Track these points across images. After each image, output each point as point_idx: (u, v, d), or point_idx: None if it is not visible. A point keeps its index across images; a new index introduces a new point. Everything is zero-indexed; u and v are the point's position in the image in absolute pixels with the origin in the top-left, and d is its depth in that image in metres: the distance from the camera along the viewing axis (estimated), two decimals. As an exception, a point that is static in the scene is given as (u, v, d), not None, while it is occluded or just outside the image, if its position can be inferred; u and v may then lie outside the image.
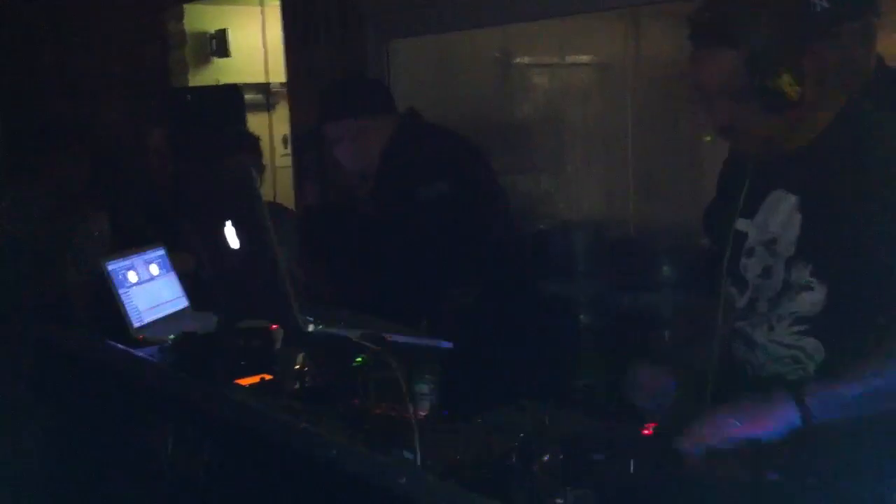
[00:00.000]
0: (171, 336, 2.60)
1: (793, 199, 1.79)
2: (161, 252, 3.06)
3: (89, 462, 2.80)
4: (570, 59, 4.64)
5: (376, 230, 2.72)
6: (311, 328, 1.84)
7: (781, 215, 1.80)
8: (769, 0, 1.71)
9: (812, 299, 1.75)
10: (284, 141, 6.10)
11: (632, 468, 1.71)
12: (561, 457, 1.72)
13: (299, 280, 1.90)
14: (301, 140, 4.74)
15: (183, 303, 3.05)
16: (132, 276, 2.91)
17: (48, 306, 3.25)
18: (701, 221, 2.09)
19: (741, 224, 1.89)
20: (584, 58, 4.60)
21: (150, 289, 2.95)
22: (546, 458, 1.71)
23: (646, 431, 1.89)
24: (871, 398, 1.64)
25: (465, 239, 2.48)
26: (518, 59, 4.67)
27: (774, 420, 1.63)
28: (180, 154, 3.52)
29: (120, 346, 2.67)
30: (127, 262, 2.91)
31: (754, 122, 1.74)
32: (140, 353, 2.61)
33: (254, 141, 3.64)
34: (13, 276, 3.43)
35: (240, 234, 2.06)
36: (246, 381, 2.23)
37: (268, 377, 2.24)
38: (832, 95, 1.78)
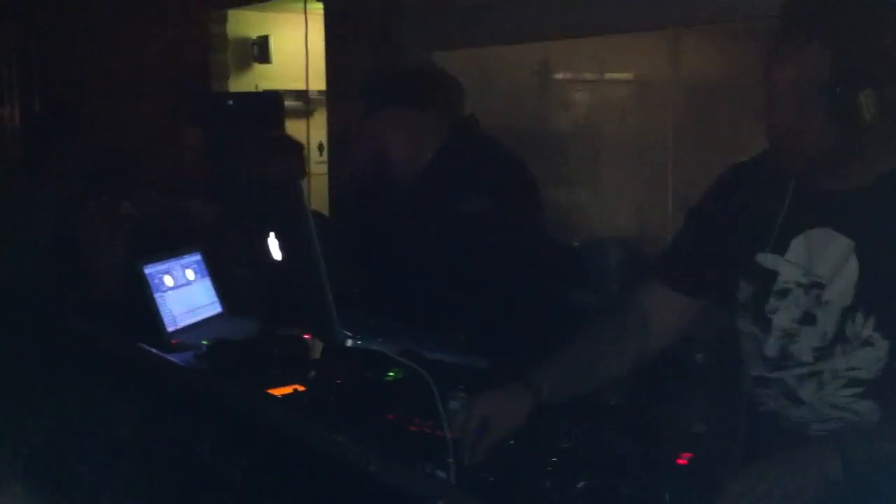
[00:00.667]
0: (205, 341, 2.62)
1: (845, 241, 1.63)
2: (197, 257, 3.07)
3: (102, 464, 2.81)
4: (609, 76, 4.62)
5: (415, 234, 2.64)
6: (349, 342, 1.83)
7: (832, 259, 1.64)
8: (882, 11, 1.56)
9: (872, 356, 1.61)
10: (320, 148, 6.14)
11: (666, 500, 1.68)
12: (594, 483, 1.70)
13: (341, 292, 1.89)
14: (342, 137, 4.71)
15: (217, 308, 3.06)
16: (168, 280, 2.92)
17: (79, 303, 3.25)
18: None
19: (766, 260, 1.73)
20: (624, 75, 4.58)
21: (185, 293, 2.97)
22: (580, 485, 1.69)
23: (681, 461, 1.85)
24: None
25: (506, 259, 2.44)
26: (558, 75, 4.66)
27: (819, 480, 1.49)
28: (220, 157, 3.52)
29: (152, 349, 2.68)
30: (164, 266, 2.92)
31: (814, 129, 1.59)
32: (173, 357, 2.62)
33: (298, 148, 3.65)
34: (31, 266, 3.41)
35: (283, 244, 2.06)
36: (279, 391, 2.23)
37: (301, 388, 2.23)
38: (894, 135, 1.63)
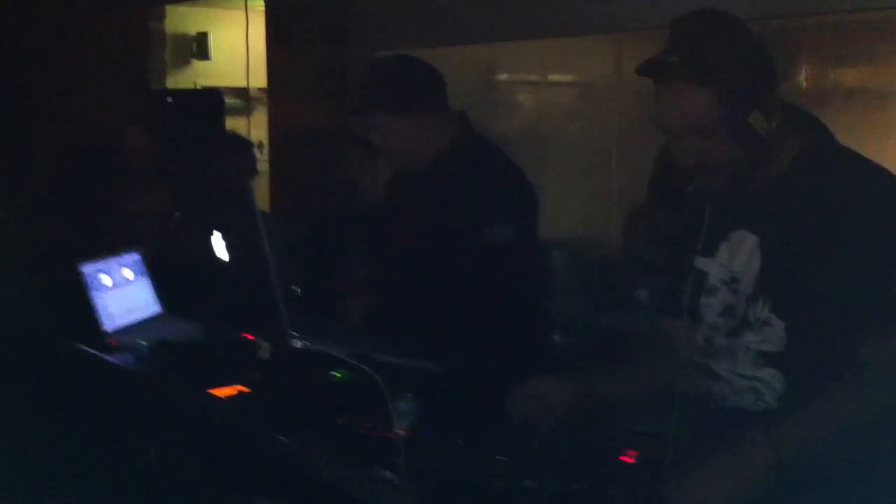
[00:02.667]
0: (144, 342, 2.58)
1: (753, 238, 1.82)
2: (137, 256, 3.02)
3: (48, 463, 2.75)
4: (553, 77, 4.65)
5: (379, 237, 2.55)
6: (297, 343, 1.81)
7: (743, 255, 1.84)
8: (738, 39, 1.75)
9: (771, 335, 1.78)
10: (259, 146, 6.07)
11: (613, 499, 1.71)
12: (542, 483, 1.71)
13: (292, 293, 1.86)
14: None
15: (156, 308, 3.01)
16: (106, 280, 2.86)
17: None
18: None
19: (701, 263, 1.91)
20: (568, 77, 4.62)
21: (124, 293, 2.91)
22: (529, 483, 1.70)
23: (627, 459, 1.88)
24: (837, 430, 1.68)
25: (456, 261, 2.40)
26: (502, 76, 4.68)
27: (751, 471, 1.64)
28: (165, 156, 3.46)
29: (90, 349, 2.63)
30: (102, 265, 2.87)
31: (723, 159, 1.77)
32: (112, 358, 2.57)
33: (247, 146, 3.60)
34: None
35: (229, 243, 2.03)
36: (222, 392, 2.20)
37: (245, 389, 2.20)
38: (793, 138, 1.82)
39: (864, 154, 1.84)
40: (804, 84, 3.30)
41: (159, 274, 3.03)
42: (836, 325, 1.72)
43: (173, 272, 3.03)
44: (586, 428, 2.03)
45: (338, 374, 2.15)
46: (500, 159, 2.56)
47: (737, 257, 1.85)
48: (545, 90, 4.73)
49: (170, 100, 5.15)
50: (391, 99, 2.43)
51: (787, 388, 1.79)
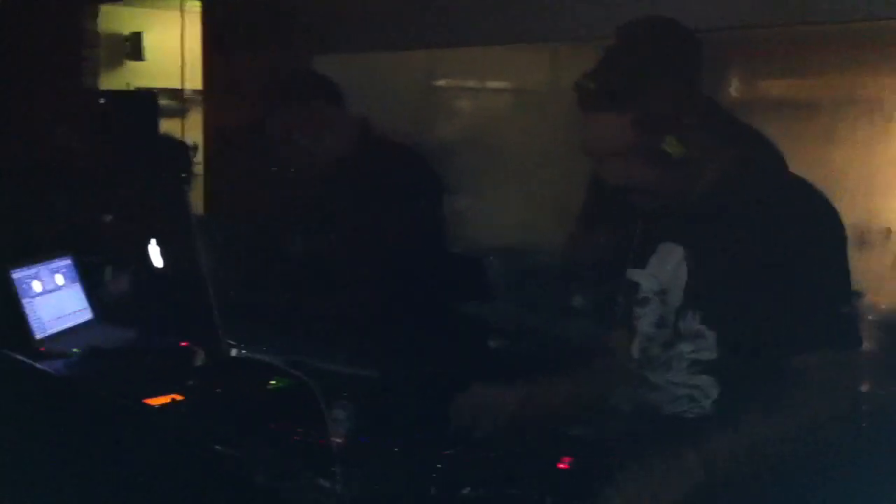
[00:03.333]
0: (75, 349, 2.53)
1: (680, 250, 1.87)
2: (68, 261, 2.96)
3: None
4: (491, 84, 4.68)
5: (310, 239, 2.61)
6: (233, 352, 1.80)
7: (671, 267, 1.88)
8: (655, 66, 1.79)
9: (704, 344, 1.82)
10: (194, 148, 6.00)
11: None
12: (479, 490, 1.71)
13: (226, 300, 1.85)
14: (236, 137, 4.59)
15: (88, 314, 2.95)
16: (36, 286, 2.80)
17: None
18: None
19: (633, 274, 1.97)
20: (507, 84, 4.64)
21: (54, 299, 2.85)
22: (466, 490, 1.71)
23: (561, 465, 1.90)
24: (769, 436, 1.69)
25: (399, 259, 2.44)
26: (440, 82, 4.69)
27: (684, 476, 1.65)
28: (97, 159, 3.40)
29: (19, 356, 2.57)
30: (32, 271, 2.81)
31: (642, 180, 1.82)
32: (42, 365, 2.51)
33: (182, 148, 3.54)
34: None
35: (164, 249, 2.00)
36: (156, 401, 2.17)
37: (179, 397, 2.17)
38: (716, 155, 1.86)
39: (791, 166, 1.89)
40: (733, 95, 3.37)
41: (91, 279, 2.98)
42: (767, 333, 1.76)
43: (106, 278, 2.98)
44: (523, 435, 2.04)
45: (273, 382, 2.14)
46: (404, 158, 2.71)
47: (665, 269, 1.90)
48: (484, 97, 4.75)
49: (102, 101, 5.07)
50: (292, 103, 2.68)
51: (722, 394, 1.83)
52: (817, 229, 1.78)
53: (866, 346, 1.90)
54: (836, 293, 1.77)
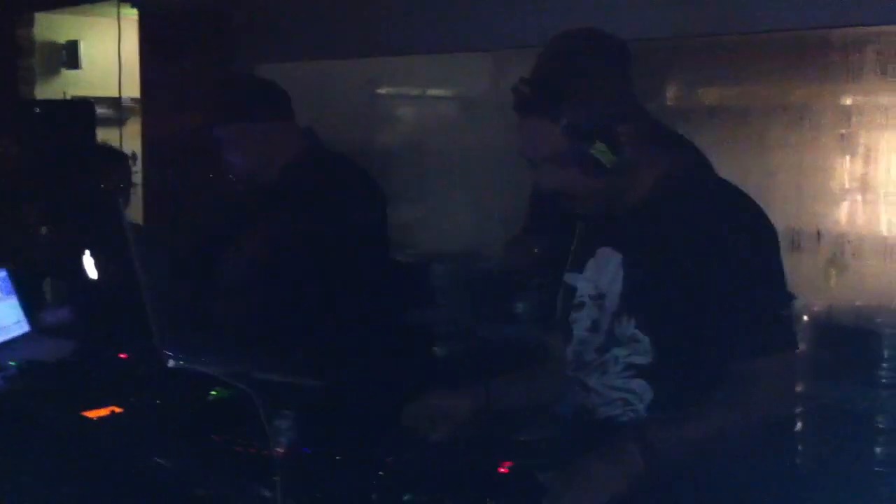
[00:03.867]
0: (12, 362, 2.49)
1: (618, 256, 1.89)
2: (3, 273, 2.91)
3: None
4: (433, 92, 4.70)
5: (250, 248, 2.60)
6: (171, 363, 1.78)
7: (609, 272, 1.90)
8: (586, 75, 1.80)
9: (639, 349, 1.84)
10: (133, 157, 5.93)
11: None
12: (420, 496, 1.72)
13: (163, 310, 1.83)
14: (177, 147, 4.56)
15: (24, 327, 2.90)
16: (-30, 299, 2.75)
17: None
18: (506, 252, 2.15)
19: (570, 278, 1.98)
20: (449, 92, 4.67)
21: (-12, 311, 2.80)
22: (407, 497, 1.71)
23: (502, 469, 1.91)
24: (706, 436, 1.75)
25: (340, 268, 2.44)
26: (386, 91, 4.70)
27: (624, 474, 1.68)
28: (33, 168, 3.34)
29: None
30: (-34, 284, 2.76)
31: (576, 185, 1.83)
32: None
33: (120, 158, 3.49)
34: None
35: (99, 259, 1.98)
36: (95, 413, 2.14)
37: (118, 409, 2.15)
38: (652, 163, 1.88)
39: (723, 171, 1.93)
40: (666, 104, 3.43)
41: (28, 291, 2.93)
42: (702, 340, 1.78)
43: (43, 289, 2.93)
44: (465, 440, 2.05)
45: (214, 392, 2.13)
46: (346, 169, 2.70)
47: (603, 274, 1.91)
48: (427, 105, 4.77)
49: (38, 110, 4.99)
50: (235, 112, 2.64)
51: (656, 398, 1.85)
52: (749, 234, 1.81)
53: (800, 347, 1.94)
54: (769, 296, 1.80)
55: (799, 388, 2.29)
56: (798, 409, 2.56)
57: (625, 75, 1.86)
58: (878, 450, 2.73)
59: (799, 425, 2.69)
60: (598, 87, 1.81)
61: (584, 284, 1.95)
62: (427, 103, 4.76)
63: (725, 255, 1.78)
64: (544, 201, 2.02)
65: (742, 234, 1.81)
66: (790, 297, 1.86)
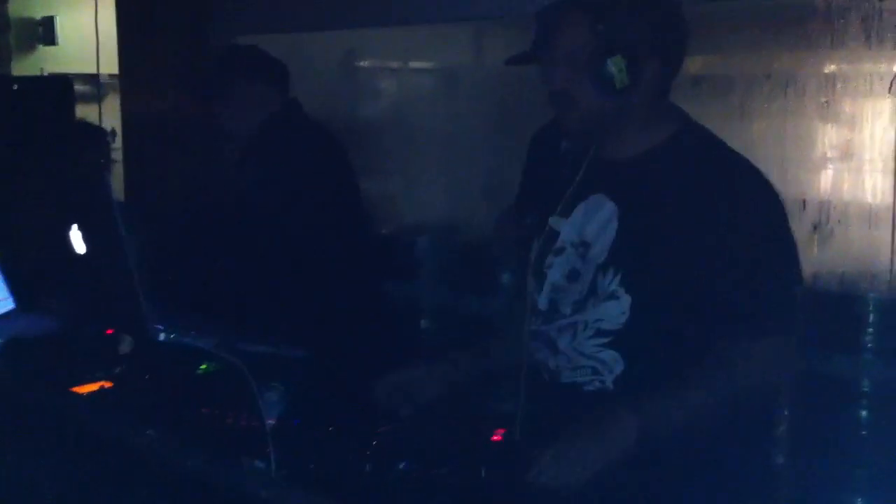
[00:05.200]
0: (-2, 339, 2.48)
1: (612, 206, 1.82)
2: (-15, 250, 2.88)
3: None
4: (414, 64, 4.68)
5: (238, 213, 2.65)
6: (161, 336, 1.77)
7: (599, 221, 1.83)
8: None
9: (616, 309, 1.78)
10: (112, 134, 5.88)
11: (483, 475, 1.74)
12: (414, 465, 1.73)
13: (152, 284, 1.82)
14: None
15: (9, 304, 2.88)
16: (-48, 277, 2.73)
17: None
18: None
19: (554, 222, 1.90)
20: (430, 64, 4.65)
21: (-29, 289, 2.78)
22: (402, 465, 1.72)
23: (495, 437, 1.92)
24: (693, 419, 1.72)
25: (323, 240, 2.45)
26: (363, 63, 4.67)
27: (616, 441, 1.66)
28: (12, 145, 3.31)
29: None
30: (-53, 261, 2.73)
31: (583, 94, 1.77)
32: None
33: (100, 134, 3.47)
34: None
35: (86, 235, 1.97)
36: (84, 389, 2.13)
37: (108, 385, 2.14)
38: (664, 116, 1.84)
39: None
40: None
41: (11, 268, 2.90)
42: (686, 312, 1.73)
43: (26, 266, 2.91)
44: (457, 410, 2.06)
45: (203, 366, 2.12)
46: (318, 134, 2.83)
47: (591, 221, 1.84)
48: (407, 77, 4.75)
49: (15, 87, 4.93)
50: (212, 86, 2.85)
51: (625, 370, 1.80)
52: (760, 207, 1.75)
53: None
54: (777, 274, 1.74)
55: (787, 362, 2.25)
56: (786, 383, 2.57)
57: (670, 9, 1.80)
58: (863, 413, 2.76)
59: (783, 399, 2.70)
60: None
61: (568, 230, 1.87)
62: (408, 76, 4.73)
63: (731, 224, 1.72)
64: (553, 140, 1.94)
65: (752, 205, 1.75)
66: (799, 277, 1.79)
